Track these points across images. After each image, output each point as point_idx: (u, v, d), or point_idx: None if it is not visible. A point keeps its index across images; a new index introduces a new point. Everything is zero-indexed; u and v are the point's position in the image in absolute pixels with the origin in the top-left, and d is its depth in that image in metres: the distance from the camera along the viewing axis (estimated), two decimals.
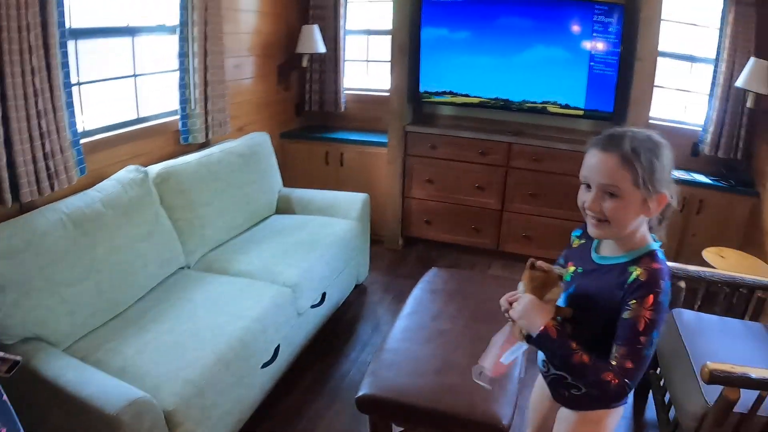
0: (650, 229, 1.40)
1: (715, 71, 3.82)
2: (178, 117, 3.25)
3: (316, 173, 4.54)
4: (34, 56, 2.16)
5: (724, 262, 3.28)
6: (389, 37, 4.15)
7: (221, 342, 2.21)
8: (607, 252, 1.40)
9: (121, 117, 3.04)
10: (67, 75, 2.38)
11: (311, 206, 3.70)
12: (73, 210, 2.26)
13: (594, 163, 1.30)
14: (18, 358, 1.43)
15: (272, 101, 4.43)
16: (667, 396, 2.45)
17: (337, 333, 3.27)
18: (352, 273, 3.51)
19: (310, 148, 4.54)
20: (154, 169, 2.85)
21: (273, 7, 4.26)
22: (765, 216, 3.55)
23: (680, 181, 3.77)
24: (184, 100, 3.22)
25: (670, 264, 2.67)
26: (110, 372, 1.92)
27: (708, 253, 3.40)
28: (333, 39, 4.47)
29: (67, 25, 2.37)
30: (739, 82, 3.54)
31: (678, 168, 4.01)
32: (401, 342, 2.29)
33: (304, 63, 4.46)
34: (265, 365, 2.45)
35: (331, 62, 4.53)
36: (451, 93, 4.23)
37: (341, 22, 4.46)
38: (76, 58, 2.68)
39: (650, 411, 2.72)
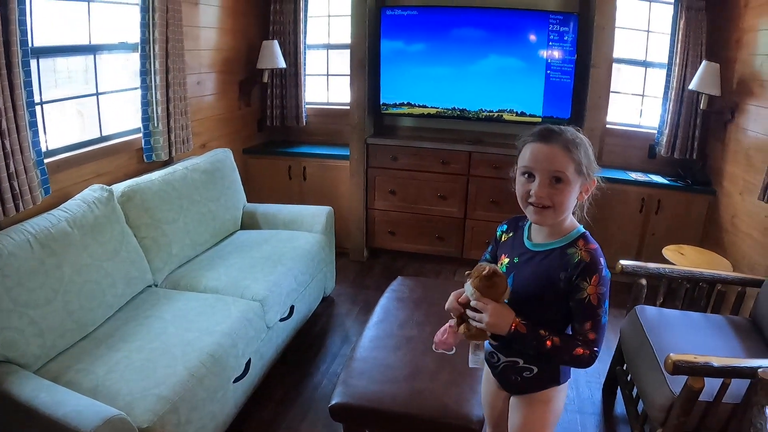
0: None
1: (668, 75, 4.01)
2: (140, 135, 3.25)
3: (280, 188, 4.57)
4: None
5: (684, 259, 3.42)
6: (348, 51, 4.21)
7: (192, 358, 2.22)
8: (540, 239, 1.52)
9: (84, 136, 3.02)
10: (30, 94, 2.37)
11: (276, 221, 3.73)
12: (39, 230, 2.24)
13: (540, 153, 1.42)
14: None
15: (234, 117, 4.45)
16: (635, 390, 2.55)
17: (307, 345, 3.29)
18: (319, 286, 3.54)
19: (272, 163, 4.57)
20: (119, 187, 2.84)
21: (233, 24, 4.29)
22: (722, 213, 3.73)
23: (639, 183, 3.96)
24: (147, 118, 3.23)
25: (631, 263, 2.79)
26: (82, 392, 1.92)
27: (668, 251, 3.53)
28: (293, 54, 4.52)
29: (29, 44, 2.36)
30: (692, 85, 3.71)
31: (636, 170, 4.21)
32: (371, 350, 2.34)
33: (265, 78, 4.49)
34: (237, 380, 2.46)
35: (291, 77, 4.58)
36: (409, 104, 4.32)
37: (301, 37, 4.52)
38: (39, 77, 2.66)
39: (619, 406, 2.82)
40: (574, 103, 4.04)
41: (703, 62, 3.67)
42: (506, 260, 1.58)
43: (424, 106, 4.31)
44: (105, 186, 2.71)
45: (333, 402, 2.06)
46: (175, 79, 3.31)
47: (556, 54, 3.97)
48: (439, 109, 4.29)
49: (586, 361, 1.42)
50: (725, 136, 3.79)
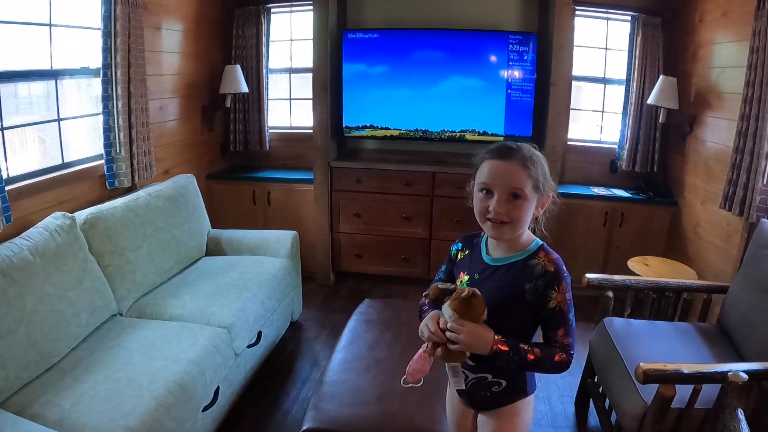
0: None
1: (627, 91, 4.16)
2: (103, 161, 3.21)
3: (244, 213, 4.55)
4: None
5: (649, 270, 3.50)
6: (311, 74, 4.25)
7: (159, 387, 2.18)
8: (500, 254, 1.56)
9: (46, 162, 2.97)
10: None
11: (241, 246, 3.71)
12: (0, 259, 2.19)
13: (498, 170, 1.47)
14: None
15: (197, 142, 4.43)
16: (607, 402, 2.60)
17: (276, 371, 3.27)
18: (286, 311, 3.53)
19: (236, 189, 4.55)
20: (82, 215, 2.79)
21: (195, 48, 4.29)
22: (685, 223, 3.85)
23: (601, 197, 4.06)
24: (109, 144, 3.20)
25: (597, 276, 2.86)
26: (48, 425, 1.87)
27: (633, 263, 3.61)
28: (256, 78, 4.54)
29: None
30: (651, 100, 3.85)
31: (598, 185, 4.33)
32: (340, 374, 2.35)
33: (228, 103, 4.50)
34: (206, 408, 2.43)
35: (254, 102, 4.59)
36: (371, 126, 4.38)
37: (264, 62, 4.54)
38: None
39: (593, 418, 2.86)
40: (535, 121, 4.14)
41: (661, 77, 3.80)
42: (466, 277, 1.60)
43: (387, 128, 4.37)
44: (67, 213, 2.66)
45: (304, 427, 2.05)
46: (137, 105, 3.29)
47: (517, 73, 4.09)
48: (401, 131, 4.36)
49: (566, 365, 1.47)
50: (685, 148, 3.93)
